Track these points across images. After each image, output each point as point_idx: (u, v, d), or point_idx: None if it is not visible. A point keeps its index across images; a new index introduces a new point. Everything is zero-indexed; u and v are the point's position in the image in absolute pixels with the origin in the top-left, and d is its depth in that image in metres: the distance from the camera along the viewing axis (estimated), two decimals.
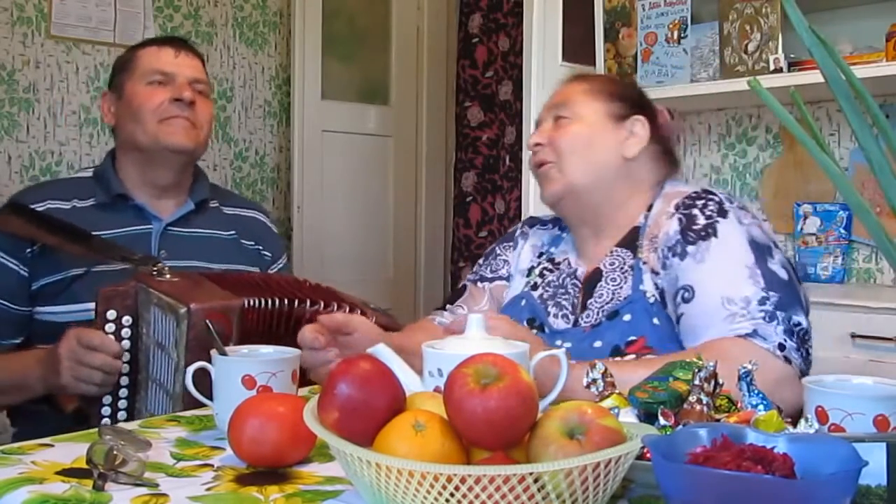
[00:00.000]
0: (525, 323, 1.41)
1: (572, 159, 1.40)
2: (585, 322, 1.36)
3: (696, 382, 0.93)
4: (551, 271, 1.48)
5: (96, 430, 1.00)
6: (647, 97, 1.52)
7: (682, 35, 2.63)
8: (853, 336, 2.16)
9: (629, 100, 1.47)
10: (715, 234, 1.28)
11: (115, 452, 0.87)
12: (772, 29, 2.45)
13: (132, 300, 1.38)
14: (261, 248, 1.76)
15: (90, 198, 1.64)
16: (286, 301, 1.39)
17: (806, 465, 0.67)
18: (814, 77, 2.19)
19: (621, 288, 1.35)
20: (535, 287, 1.48)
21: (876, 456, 0.71)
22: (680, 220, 1.32)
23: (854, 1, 2.60)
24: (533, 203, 2.68)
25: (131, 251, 1.51)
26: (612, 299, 1.35)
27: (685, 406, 0.92)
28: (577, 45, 2.83)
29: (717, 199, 1.34)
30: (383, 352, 1.03)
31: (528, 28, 2.76)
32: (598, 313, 1.35)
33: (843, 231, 2.64)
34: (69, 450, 0.99)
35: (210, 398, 1.09)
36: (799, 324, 1.23)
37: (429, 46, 4.14)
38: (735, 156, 2.98)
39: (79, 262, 1.54)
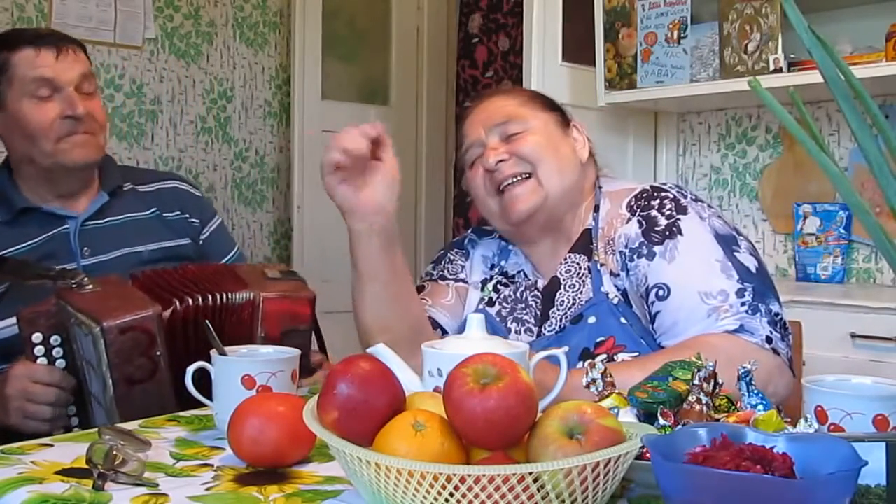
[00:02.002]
0: None
1: (548, 166, 1.36)
2: (548, 331, 1.36)
3: (696, 382, 0.93)
4: (506, 285, 1.46)
5: (96, 430, 1.00)
6: None
7: (682, 35, 2.63)
8: (853, 336, 2.16)
9: (559, 108, 1.47)
10: (680, 232, 1.28)
11: (114, 452, 0.87)
12: (772, 29, 2.45)
13: (55, 319, 1.32)
14: (187, 216, 1.69)
15: None
16: (209, 296, 1.35)
17: (805, 465, 0.67)
18: (814, 77, 2.19)
19: (581, 292, 1.35)
20: (491, 303, 1.45)
21: (875, 456, 0.72)
22: (640, 222, 1.31)
23: (854, 1, 2.60)
24: None
25: (47, 267, 1.43)
26: (573, 304, 1.35)
27: (685, 406, 0.92)
28: (577, 45, 2.83)
29: (670, 195, 1.33)
30: (383, 352, 1.03)
31: (528, 28, 2.76)
32: (560, 320, 1.35)
33: (842, 231, 2.64)
34: (69, 450, 0.99)
35: (210, 398, 1.09)
36: (777, 313, 1.24)
37: (429, 46, 4.14)
38: (735, 156, 2.98)
39: None
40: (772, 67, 2.44)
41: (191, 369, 1.08)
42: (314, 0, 3.64)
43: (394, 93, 4.04)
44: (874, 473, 0.72)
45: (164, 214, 1.67)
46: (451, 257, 1.52)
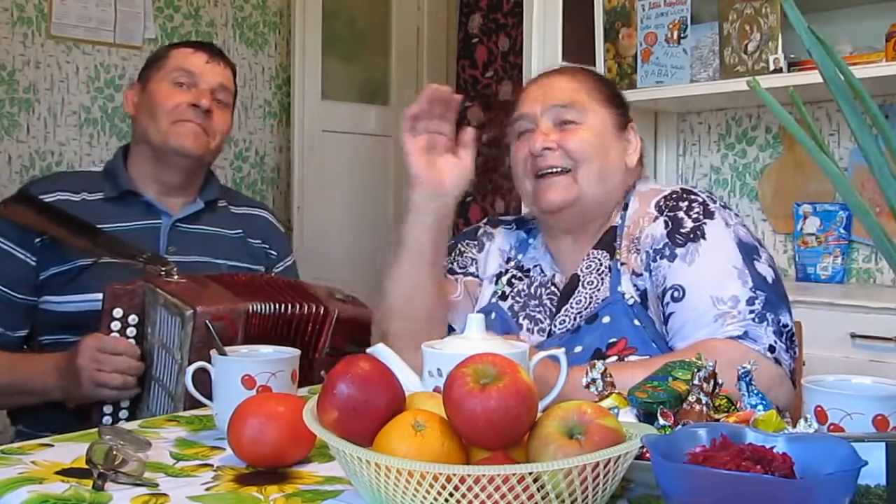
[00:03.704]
0: None
1: (589, 168, 1.35)
2: (560, 328, 1.35)
3: (696, 382, 0.93)
4: (520, 279, 1.44)
5: (96, 430, 1.00)
6: None
7: (682, 35, 2.63)
8: (853, 336, 2.15)
9: (623, 104, 1.45)
10: (703, 237, 1.28)
11: (114, 452, 0.87)
12: (771, 29, 2.45)
13: (139, 299, 1.39)
14: (267, 246, 1.79)
15: (99, 192, 1.66)
16: (287, 305, 1.41)
17: (805, 465, 0.67)
18: (813, 77, 2.18)
19: (598, 290, 1.34)
20: (503, 297, 1.43)
21: (875, 456, 0.72)
22: (666, 223, 1.31)
23: (854, 1, 2.60)
24: None
25: (140, 249, 1.51)
26: (590, 303, 1.34)
27: (684, 406, 0.92)
28: (577, 45, 2.83)
29: (700, 199, 1.32)
30: (383, 352, 1.03)
31: (528, 28, 2.76)
32: (574, 318, 1.34)
33: (842, 231, 2.64)
34: (69, 450, 0.99)
35: (210, 398, 1.09)
36: (787, 325, 1.24)
37: (429, 46, 4.14)
38: (735, 156, 2.98)
39: (87, 253, 1.56)
40: (772, 67, 2.44)
41: (191, 369, 1.08)
42: (314, 0, 3.64)
43: (394, 93, 4.04)
44: (874, 473, 0.72)
45: (248, 239, 1.76)
46: (462, 249, 1.50)
